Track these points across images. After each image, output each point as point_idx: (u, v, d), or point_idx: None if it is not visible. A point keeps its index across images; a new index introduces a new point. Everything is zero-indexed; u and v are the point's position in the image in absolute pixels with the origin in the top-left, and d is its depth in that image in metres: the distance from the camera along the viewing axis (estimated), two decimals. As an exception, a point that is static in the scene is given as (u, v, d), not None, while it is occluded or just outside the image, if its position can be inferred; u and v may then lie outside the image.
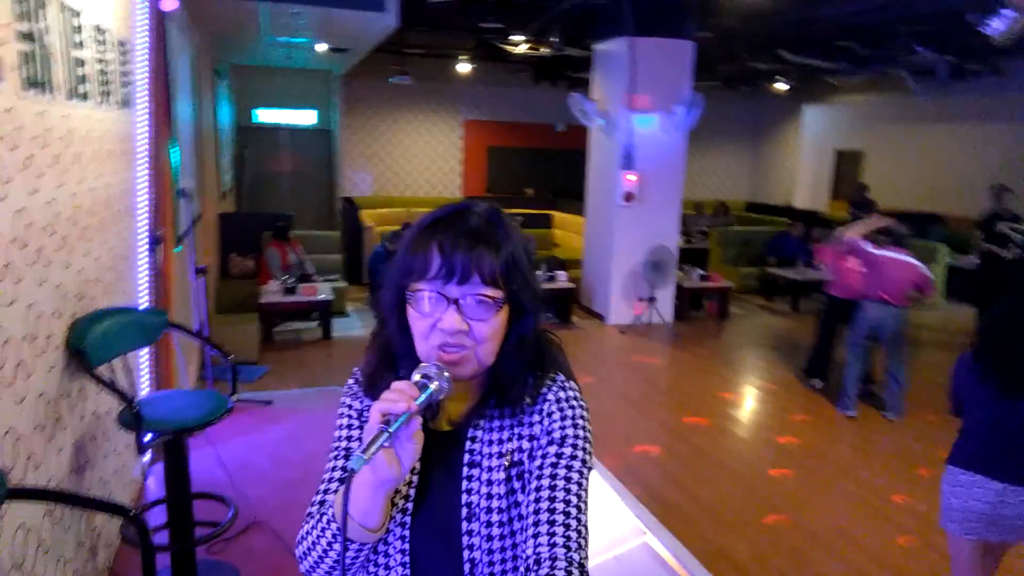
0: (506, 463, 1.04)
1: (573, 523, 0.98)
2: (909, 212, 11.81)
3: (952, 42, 8.25)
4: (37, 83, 2.20)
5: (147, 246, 3.72)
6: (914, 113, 12.60)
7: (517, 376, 1.05)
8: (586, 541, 1.00)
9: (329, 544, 1.01)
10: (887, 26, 8.24)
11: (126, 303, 3.35)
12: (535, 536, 0.98)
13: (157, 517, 3.10)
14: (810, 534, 3.70)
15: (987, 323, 2.55)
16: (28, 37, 2.12)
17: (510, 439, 1.05)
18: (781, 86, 12.48)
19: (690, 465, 4.53)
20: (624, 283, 8.06)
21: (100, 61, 2.97)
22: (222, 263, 8.01)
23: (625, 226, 7.93)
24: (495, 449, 1.05)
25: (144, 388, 3.63)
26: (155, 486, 3.57)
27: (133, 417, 2.31)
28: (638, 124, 7.69)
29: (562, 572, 0.94)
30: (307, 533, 1.05)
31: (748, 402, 5.96)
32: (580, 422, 1.06)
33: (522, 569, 0.98)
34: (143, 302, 3.68)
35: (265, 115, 11.56)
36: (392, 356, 1.08)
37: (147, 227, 3.74)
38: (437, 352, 0.99)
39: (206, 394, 2.70)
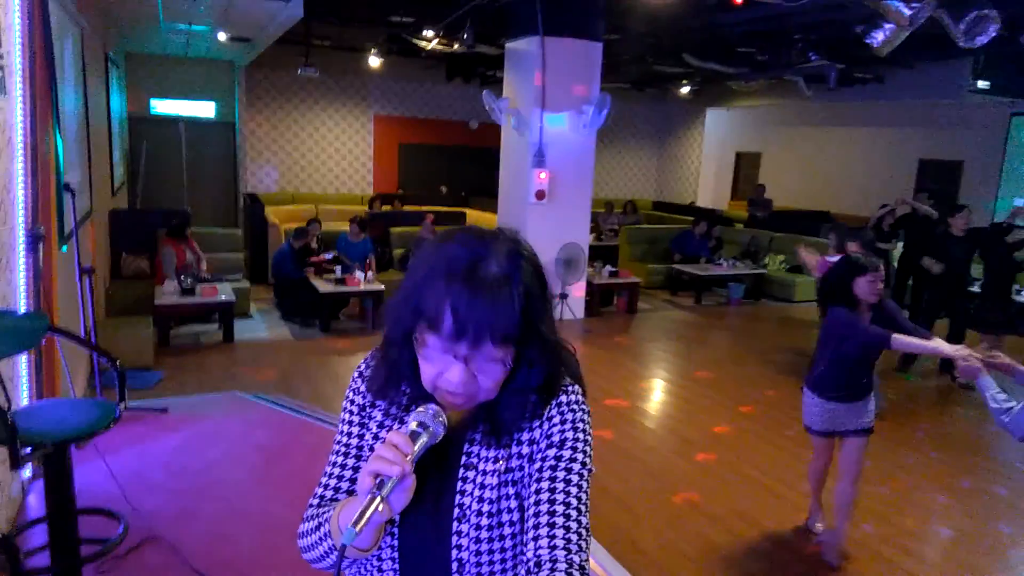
0: (501, 468, 1.04)
1: (573, 525, 0.99)
2: (802, 210, 12.52)
3: (841, 51, 8.76)
4: None
5: (25, 245, 3.45)
6: (807, 117, 13.32)
7: (517, 415, 1.05)
8: (587, 543, 1.00)
9: (325, 553, 1.04)
10: (783, 34, 8.67)
11: (1, 307, 3.08)
12: (535, 539, 0.98)
13: (39, 537, 2.88)
14: (714, 518, 3.83)
15: None
16: None
17: (507, 444, 1.06)
18: (685, 89, 12.91)
19: (600, 458, 4.59)
20: (536, 280, 8.10)
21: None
22: (114, 263, 7.55)
23: (537, 224, 7.98)
24: (492, 453, 1.05)
25: (25, 398, 3.36)
26: (37, 503, 3.32)
27: (6, 429, 2.12)
28: (548, 123, 7.77)
29: (562, 574, 0.94)
30: (307, 532, 1.07)
31: (656, 394, 6.13)
32: (580, 425, 1.06)
33: (523, 572, 0.99)
34: (22, 306, 3.41)
35: (163, 106, 10.97)
36: (397, 370, 1.06)
37: (24, 225, 3.46)
38: (440, 392, 0.99)
39: (91, 403, 2.52)
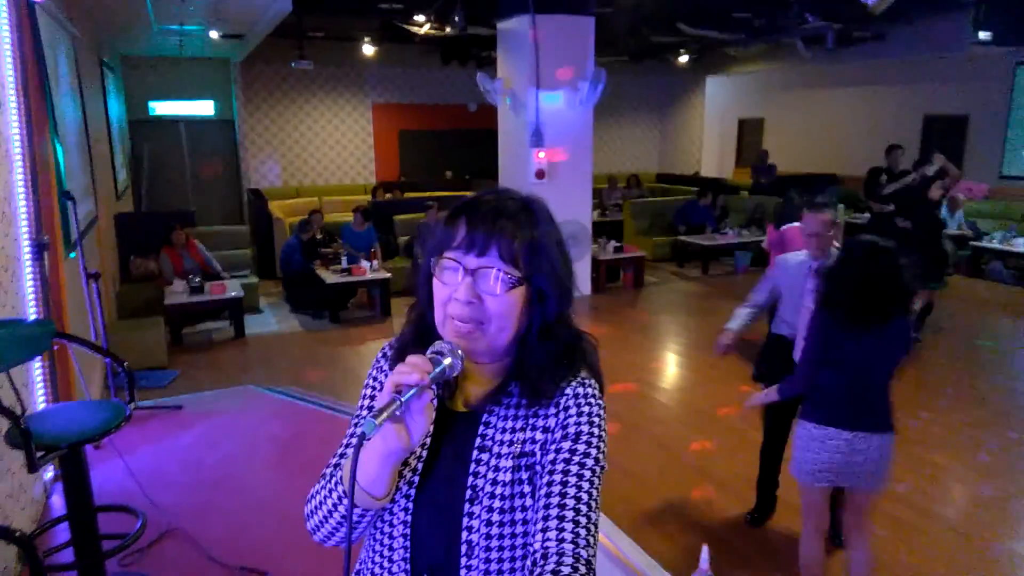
0: (515, 452, 1.05)
1: (583, 520, 0.99)
2: (808, 174, 12.42)
3: (838, 11, 8.64)
4: None
5: (30, 254, 3.52)
6: (808, 80, 13.17)
7: (544, 367, 1.06)
8: (595, 538, 1.00)
9: (334, 505, 1.04)
10: (778, -3, 8.57)
11: (11, 316, 3.16)
12: (543, 531, 0.98)
13: (63, 535, 2.97)
14: (722, 485, 3.88)
15: (836, 271, 2.57)
16: None
17: (523, 428, 1.06)
18: (683, 59, 12.79)
19: (615, 435, 4.64)
20: (541, 260, 8.13)
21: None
22: (122, 266, 7.64)
23: (538, 203, 7.98)
24: (507, 437, 1.06)
25: (40, 403, 3.45)
26: (60, 503, 3.41)
27: (21, 434, 2.19)
28: (544, 101, 7.74)
29: (568, 568, 0.94)
30: (316, 492, 1.09)
31: (665, 368, 6.16)
32: (596, 420, 1.06)
33: (529, 563, 0.99)
34: (31, 314, 3.49)
35: (162, 107, 11.02)
36: (424, 329, 1.10)
37: (28, 234, 3.53)
38: (450, 323, 1.01)
39: (103, 404, 2.59)
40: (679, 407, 5.22)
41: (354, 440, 1.06)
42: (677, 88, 15.71)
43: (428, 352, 0.98)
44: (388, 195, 11.39)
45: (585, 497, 1.00)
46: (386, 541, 1.08)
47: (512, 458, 1.04)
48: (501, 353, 1.06)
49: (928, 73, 11.18)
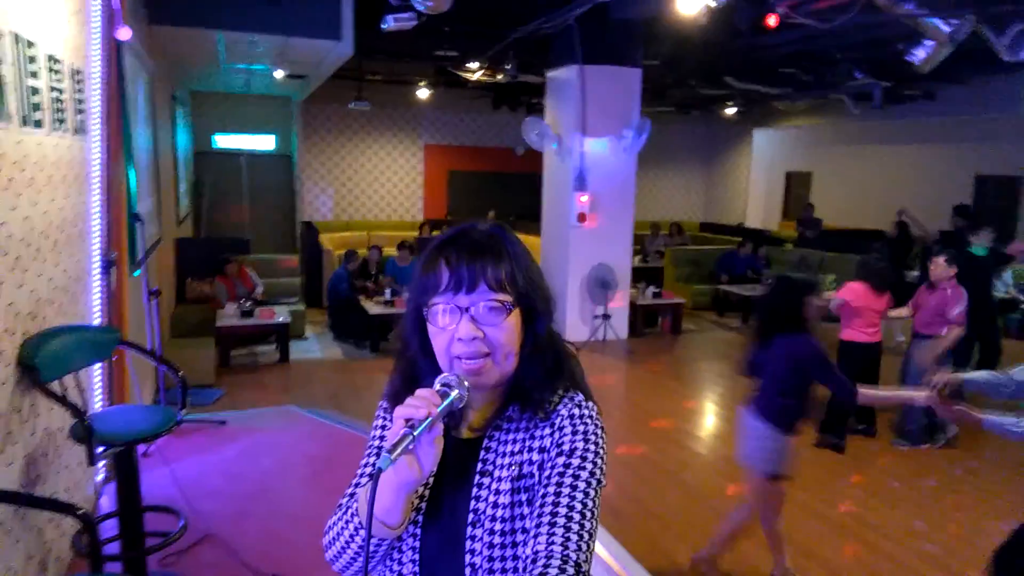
0: (514, 474, 1.07)
1: (575, 527, 1.00)
2: (854, 229, 12.33)
3: (888, 69, 8.71)
4: (-10, 111, 2.31)
5: (100, 269, 3.80)
6: (857, 135, 13.16)
7: (539, 380, 1.09)
8: (588, 545, 1.00)
9: (351, 536, 1.07)
10: (826, 54, 8.69)
11: (79, 324, 3.41)
12: (535, 537, 1.00)
13: (110, 532, 3.15)
14: (757, 538, 3.86)
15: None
16: (-18, 68, 2.23)
17: (522, 451, 1.09)
18: (730, 111, 12.94)
19: (645, 478, 4.67)
20: (579, 301, 8.26)
21: (54, 90, 3.08)
22: (179, 287, 8.02)
23: (579, 246, 8.15)
24: (507, 460, 1.09)
25: (98, 405, 3.68)
26: (108, 504, 3.61)
27: (84, 429, 2.39)
28: (589, 147, 7.95)
29: (555, 570, 0.95)
30: (333, 524, 1.12)
31: (700, 415, 6.16)
32: (592, 438, 1.07)
33: (520, 568, 1.01)
34: (96, 323, 3.74)
35: (225, 141, 11.59)
36: (415, 377, 1.13)
37: (100, 251, 3.82)
38: (458, 363, 1.04)
39: (156, 409, 2.79)
40: (711, 454, 5.21)
41: (369, 474, 1.14)
42: (724, 139, 15.85)
43: (436, 383, 1.01)
44: (435, 232, 11.70)
45: (578, 507, 1.01)
46: (396, 567, 1.10)
47: (511, 480, 1.07)
48: (508, 375, 1.08)
49: (980, 133, 11.08)
